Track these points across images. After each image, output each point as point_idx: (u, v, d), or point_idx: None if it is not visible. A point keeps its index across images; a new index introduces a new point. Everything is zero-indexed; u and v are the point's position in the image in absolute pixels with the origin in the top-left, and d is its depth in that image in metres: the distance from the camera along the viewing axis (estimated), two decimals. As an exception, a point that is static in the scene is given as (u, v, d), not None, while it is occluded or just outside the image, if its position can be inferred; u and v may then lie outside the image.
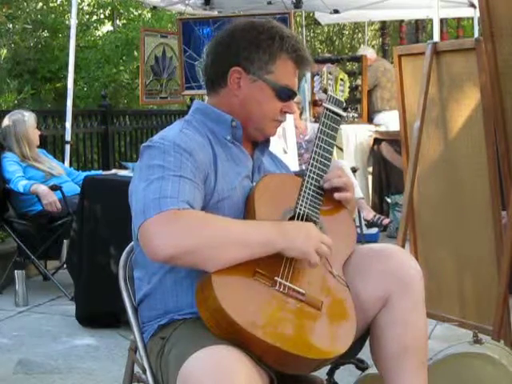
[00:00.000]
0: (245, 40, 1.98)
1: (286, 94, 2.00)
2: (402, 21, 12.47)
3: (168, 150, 1.87)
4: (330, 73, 2.11)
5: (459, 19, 12.70)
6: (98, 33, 10.85)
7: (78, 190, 4.59)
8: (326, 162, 2.01)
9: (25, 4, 9.53)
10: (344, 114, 2.09)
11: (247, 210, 1.94)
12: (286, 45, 1.97)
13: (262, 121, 2.01)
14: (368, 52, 7.75)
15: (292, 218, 1.92)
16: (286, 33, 1.99)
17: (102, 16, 10.70)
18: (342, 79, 2.12)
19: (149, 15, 11.02)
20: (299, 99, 6.33)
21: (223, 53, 2.00)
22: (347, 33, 15.99)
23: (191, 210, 1.78)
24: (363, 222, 6.10)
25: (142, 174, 1.86)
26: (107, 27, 11.05)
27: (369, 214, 6.30)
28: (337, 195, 2.01)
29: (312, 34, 15.49)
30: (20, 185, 4.70)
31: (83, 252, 4.16)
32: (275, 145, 5.17)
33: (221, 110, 2.01)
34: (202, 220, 1.78)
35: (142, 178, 1.85)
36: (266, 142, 2.10)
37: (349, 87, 2.15)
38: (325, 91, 2.09)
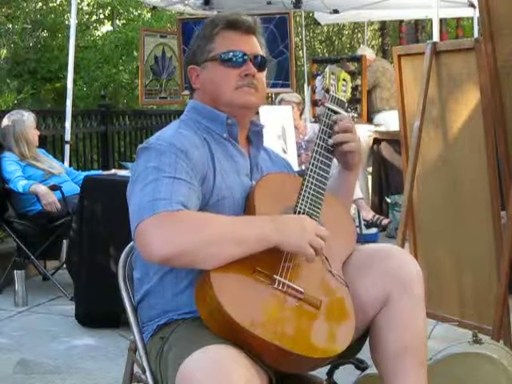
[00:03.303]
0: (191, 43, 2.08)
1: (231, 58, 2.00)
2: (401, 21, 12.48)
3: (164, 151, 1.87)
4: (332, 73, 2.11)
5: (459, 19, 12.70)
6: (98, 33, 10.87)
7: (78, 189, 4.59)
8: (326, 161, 2.01)
9: (24, 4, 9.54)
10: (346, 114, 2.08)
11: (247, 209, 1.94)
12: (216, 21, 2.03)
13: (225, 94, 2.00)
14: (367, 52, 7.75)
15: (292, 218, 1.92)
16: (222, 14, 2.08)
17: (101, 16, 10.73)
18: (344, 80, 2.12)
19: (148, 15, 11.05)
20: (300, 99, 6.33)
21: (183, 64, 2.10)
22: (347, 33, 16.01)
23: (185, 211, 1.78)
24: (362, 222, 6.10)
25: (137, 177, 1.87)
26: (107, 27, 11.07)
27: (368, 214, 6.30)
28: (345, 146, 2.02)
29: (312, 34, 15.50)
30: (19, 185, 4.69)
31: (83, 252, 4.16)
32: (274, 145, 5.19)
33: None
34: (195, 220, 1.78)
35: (137, 180, 1.86)
36: (260, 138, 2.10)
37: (351, 87, 2.14)
38: (327, 91, 2.09)
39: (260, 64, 2.04)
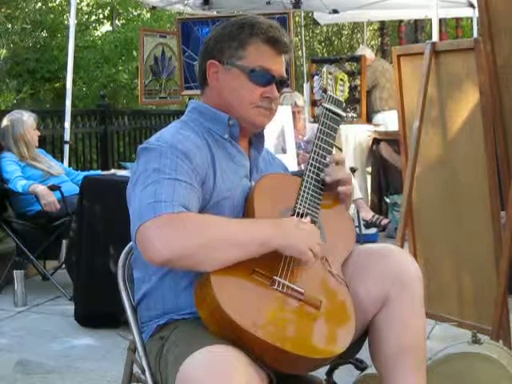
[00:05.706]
0: (218, 35, 2.00)
1: (260, 76, 1.97)
2: (401, 21, 12.47)
3: (164, 153, 1.86)
4: (329, 73, 2.11)
5: (458, 19, 12.69)
6: (97, 33, 10.87)
7: (77, 189, 4.58)
8: (325, 161, 2.01)
9: (24, 4, 9.53)
10: (344, 114, 2.08)
11: (246, 210, 1.94)
12: (256, 29, 1.97)
13: (241, 108, 1.98)
14: (367, 52, 7.75)
15: (291, 218, 1.92)
16: (259, 20, 2.00)
17: (100, 16, 10.72)
18: (341, 79, 2.12)
19: (148, 15, 11.05)
20: (304, 102, 6.32)
21: (202, 52, 2.03)
22: (346, 33, 16.00)
23: (186, 213, 1.77)
24: (362, 223, 6.10)
25: (138, 178, 1.86)
26: (106, 27, 11.07)
27: (368, 214, 6.30)
28: (341, 188, 2.01)
29: (311, 34, 15.50)
30: (19, 185, 4.69)
31: (82, 252, 4.16)
32: (274, 145, 5.19)
33: (214, 107, 2.01)
34: (197, 222, 1.78)
35: (138, 181, 1.85)
36: (261, 139, 2.10)
37: (348, 87, 2.15)
38: (324, 91, 2.09)
39: (282, 85, 2.03)
